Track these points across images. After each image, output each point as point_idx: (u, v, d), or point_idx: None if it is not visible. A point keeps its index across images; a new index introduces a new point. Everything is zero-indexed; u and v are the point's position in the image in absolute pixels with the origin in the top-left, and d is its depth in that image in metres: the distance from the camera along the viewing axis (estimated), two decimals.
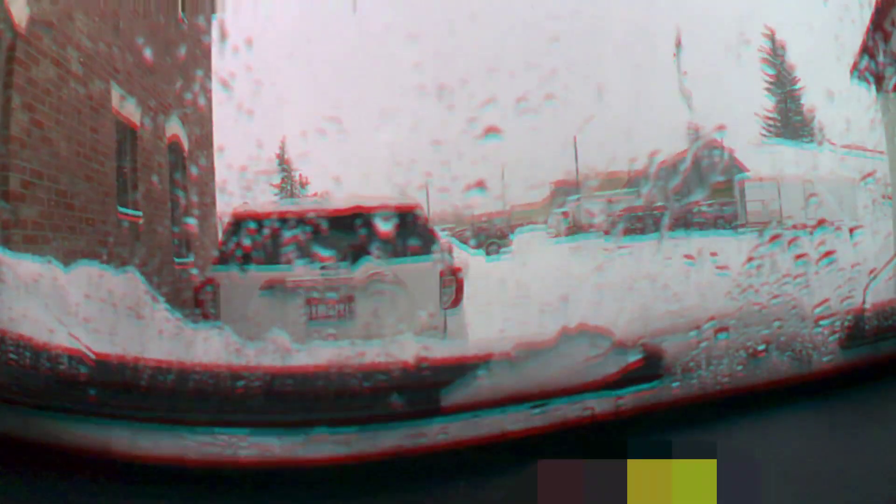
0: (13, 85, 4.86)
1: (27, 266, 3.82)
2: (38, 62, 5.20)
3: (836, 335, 1.22)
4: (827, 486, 0.97)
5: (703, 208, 13.63)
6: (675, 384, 1.10)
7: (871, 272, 1.42)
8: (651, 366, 1.10)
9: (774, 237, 1.60)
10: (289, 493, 0.98)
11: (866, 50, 4.26)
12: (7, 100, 4.82)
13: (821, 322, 1.25)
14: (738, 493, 0.85)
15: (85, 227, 5.92)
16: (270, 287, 4.25)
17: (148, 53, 7.75)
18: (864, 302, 1.33)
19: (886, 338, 1.23)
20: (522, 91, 2.04)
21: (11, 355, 1.07)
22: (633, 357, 1.07)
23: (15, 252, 4.40)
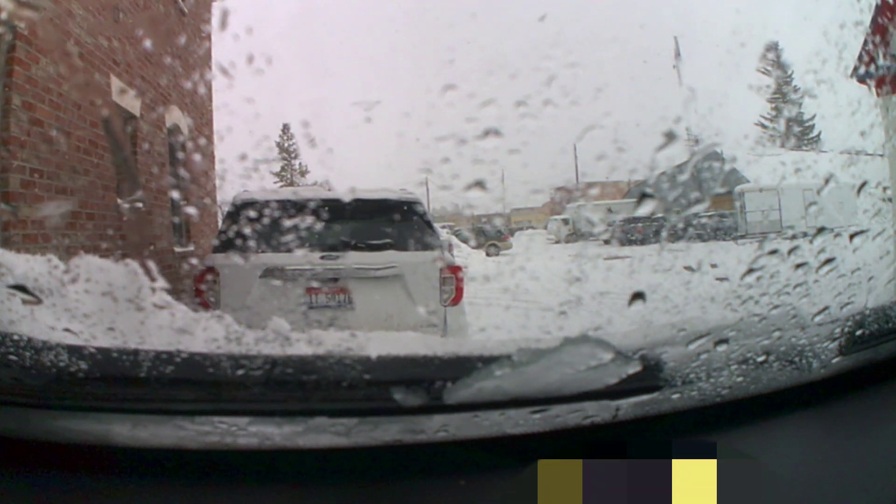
0: (13, 84, 4.85)
1: (27, 265, 3.80)
2: (38, 60, 5.18)
3: (837, 341, 1.22)
4: (828, 491, 0.97)
5: (703, 219, 13.61)
6: (674, 395, 1.10)
7: (871, 279, 1.43)
8: (651, 376, 1.10)
9: (773, 250, 1.60)
10: (288, 481, 0.98)
11: (866, 53, 4.26)
12: (7, 100, 4.80)
13: (821, 329, 1.25)
14: (739, 496, 0.86)
15: (85, 221, 5.91)
16: (270, 274, 4.22)
17: (148, 44, 7.72)
18: (865, 305, 1.33)
19: (886, 340, 1.23)
20: (523, 94, 2.03)
21: (11, 356, 1.06)
22: (633, 367, 1.06)
23: (15, 252, 4.37)
